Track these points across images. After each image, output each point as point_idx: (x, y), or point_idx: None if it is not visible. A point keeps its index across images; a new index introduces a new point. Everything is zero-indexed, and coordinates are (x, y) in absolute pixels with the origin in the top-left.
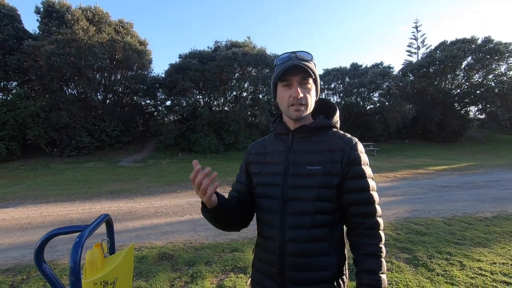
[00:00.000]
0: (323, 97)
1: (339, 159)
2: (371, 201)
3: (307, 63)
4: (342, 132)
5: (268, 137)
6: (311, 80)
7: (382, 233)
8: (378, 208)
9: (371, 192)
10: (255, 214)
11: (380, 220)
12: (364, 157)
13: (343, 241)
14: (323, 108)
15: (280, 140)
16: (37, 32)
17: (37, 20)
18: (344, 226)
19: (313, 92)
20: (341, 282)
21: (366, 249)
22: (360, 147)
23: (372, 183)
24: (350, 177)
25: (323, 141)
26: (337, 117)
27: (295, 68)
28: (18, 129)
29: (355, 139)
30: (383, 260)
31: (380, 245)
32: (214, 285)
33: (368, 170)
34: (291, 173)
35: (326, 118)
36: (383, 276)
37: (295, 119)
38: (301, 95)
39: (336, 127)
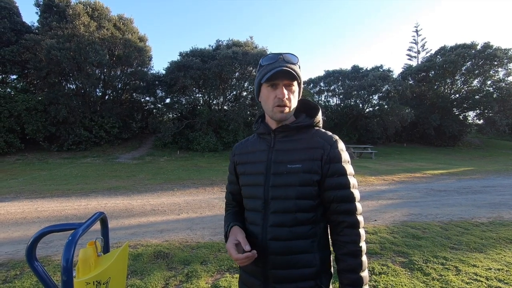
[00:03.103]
0: (323, 98)
1: (319, 156)
2: (352, 198)
3: (293, 67)
4: (323, 131)
5: (251, 137)
6: (295, 83)
7: (362, 231)
8: (358, 206)
9: (352, 189)
10: None
11: (360, 218)
12: (345, 155)
13: (327, 238)
14: (305, 107)
15: (262, 140)
16: (35, 25)
17: (36, 13)
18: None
19: (296, 94)
20: (324, 279)
21: (347, 248)
22: (341, 145)
23: (352, 181)
24: (330, 174)
25: (303, 139)
26: (319, 117)
27: (283, 72)
28: (15, 123)
29: (335, 137)
30: (363, 258)
31: (360, 244)
32: (209, 285)
33: (349, 168)
34: (272, 172)
35: (308, 117)
36: (364, 274)
37: (279, 120)
38: (286, 96)
39: (318, 126)
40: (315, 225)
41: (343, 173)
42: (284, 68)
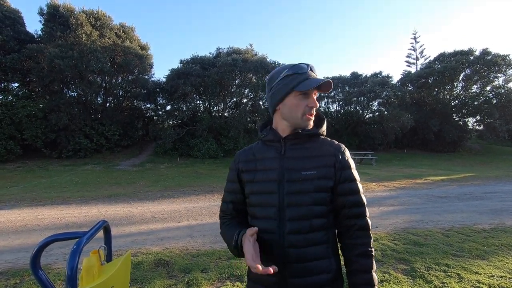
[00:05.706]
0: (323, 104)
1: (331, 163)
2: (362, 203)
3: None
4: (330, 139)
5: (255, 145)
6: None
7: (371, 233)
8: (367, 210)
9: (361, 194)
10: None
11: (369, 221)
12: (352, 162)
13: (337, 244)
14: None
15: (270, 147)
16: (38, 33)
17: (40, 21)
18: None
19: None
20: (340, 284)
21: (359, 250)
22: (348, 153)
23: (360, 187)
24: (342, 181)
25: (314, 147)
26: (325, 127)
27: (327, 84)
28: (16, 129)
29: (343, 146)
30: (373, 259)
31: (371, 245)
32: None
33: (356, 175)
34: (286, 180)
35: (314, 126)
36: (375, 275)
37: (305, 127)
38: (318, 105)
39: (323, 135)
40: (328, 231)
41: (353, 179)
42: (330, 80)
